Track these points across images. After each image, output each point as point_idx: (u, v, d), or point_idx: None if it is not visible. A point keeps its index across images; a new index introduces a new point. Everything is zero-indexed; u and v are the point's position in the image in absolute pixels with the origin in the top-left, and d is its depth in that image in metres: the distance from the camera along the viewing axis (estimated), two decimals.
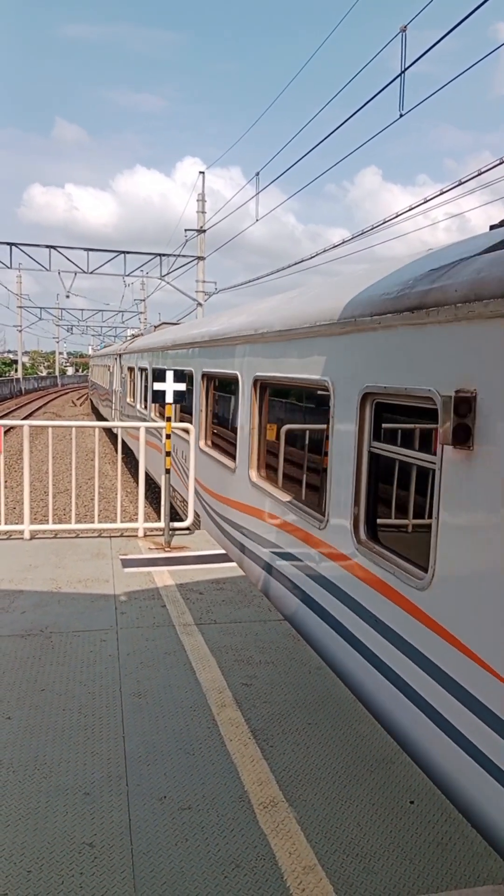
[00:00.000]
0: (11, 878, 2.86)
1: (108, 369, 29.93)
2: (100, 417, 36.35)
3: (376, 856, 3.05)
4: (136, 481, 10.38)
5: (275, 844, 3.10)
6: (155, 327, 18.71)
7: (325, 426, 5.49)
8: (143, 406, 16.99)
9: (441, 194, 13.53)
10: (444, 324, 3.73)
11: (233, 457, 8.33)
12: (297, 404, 6.87)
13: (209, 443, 9.97)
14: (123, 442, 11.78)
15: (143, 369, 17.32)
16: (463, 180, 12.82)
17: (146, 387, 16.43)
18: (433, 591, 3.83)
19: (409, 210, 14.45)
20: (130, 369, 20.40)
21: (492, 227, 4.86)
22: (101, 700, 4.34)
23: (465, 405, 3.46)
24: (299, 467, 6.58)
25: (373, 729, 4.09)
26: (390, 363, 4.38)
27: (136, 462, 9.89)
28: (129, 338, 31.37)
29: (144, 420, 15.99)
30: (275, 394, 7.23)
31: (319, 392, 5.77)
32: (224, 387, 9.29)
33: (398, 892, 2.85)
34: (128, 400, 21.08)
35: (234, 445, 8.27)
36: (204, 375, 9.99)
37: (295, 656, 5.06)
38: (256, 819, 3.27)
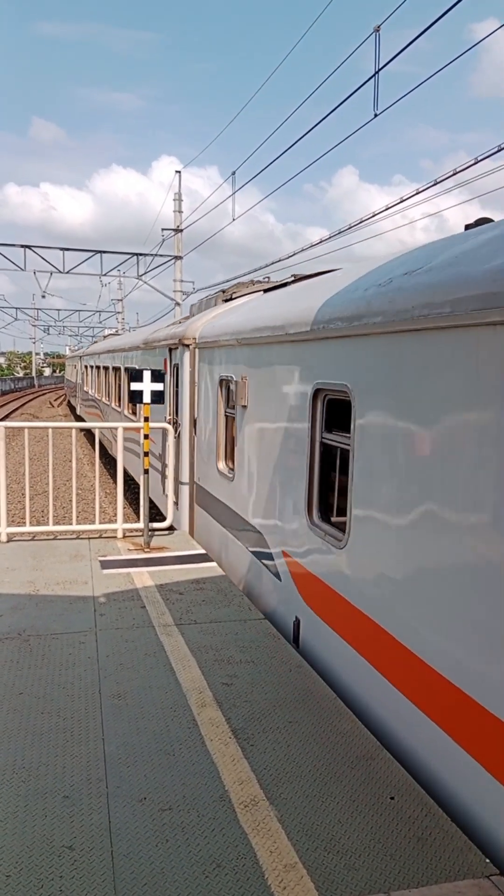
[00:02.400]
0: None
1: (75, 367, 40.75)
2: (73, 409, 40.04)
3: (357, 852, 3.05)
4: (115, 481, 10.28)
5: (256, 843, 3.10)
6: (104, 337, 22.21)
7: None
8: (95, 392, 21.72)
9: (417, 194, 13.62)
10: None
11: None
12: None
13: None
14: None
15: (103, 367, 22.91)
16: (438, 180, 12.91)
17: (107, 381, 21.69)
18: None
19: (386, 210, 14.52)
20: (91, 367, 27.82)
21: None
22: (80, 702, 4.30)
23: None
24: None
25: (353, 726, 4.10)
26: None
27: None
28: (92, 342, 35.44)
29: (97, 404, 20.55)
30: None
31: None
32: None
33: (379, 887, 2.86)
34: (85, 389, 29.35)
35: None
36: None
37: (275, 655, 5.06)
38: (237, 818, 3.26)
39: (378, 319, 4.21)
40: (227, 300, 9.88)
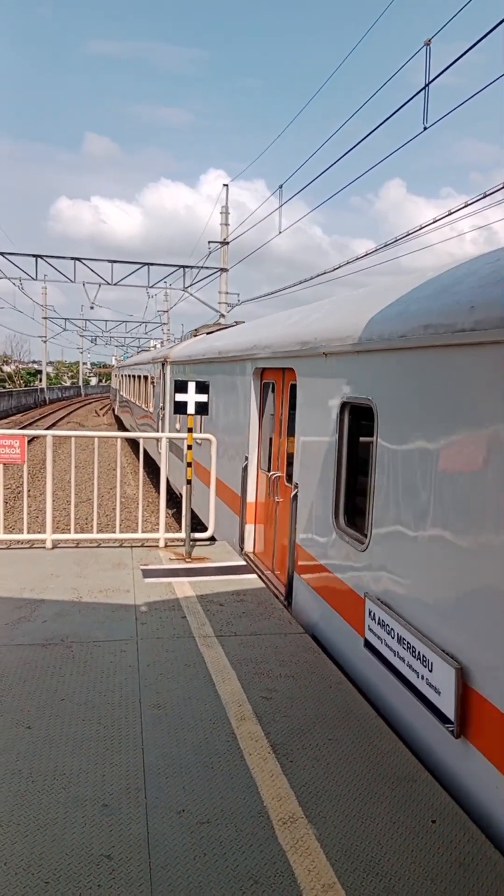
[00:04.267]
0: (29, 889, 2.86)
1: (115, 377, 45.68)
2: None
3: (397, 875, 3.00)
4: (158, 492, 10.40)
5: (294, 861, 3.07)
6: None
7: None
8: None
9: (465, 206, 13.48)
10: None
11: None
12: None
13: None
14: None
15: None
16: (488, 192, 12.77)
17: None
18: None
19: (434, 222, 14.41)
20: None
21: None
22: (120, 711, 4.33)
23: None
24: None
25: (394, 746, 4.04)
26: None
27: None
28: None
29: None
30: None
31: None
32: None
33: None
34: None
35: None
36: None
37: (315, 670, 5.02)
38: (275, 835, 3.24)
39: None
40: (194, 335, 16.38)
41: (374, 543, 4.83)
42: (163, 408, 16.63)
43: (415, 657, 4.08)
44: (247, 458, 8.73)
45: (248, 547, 8.69)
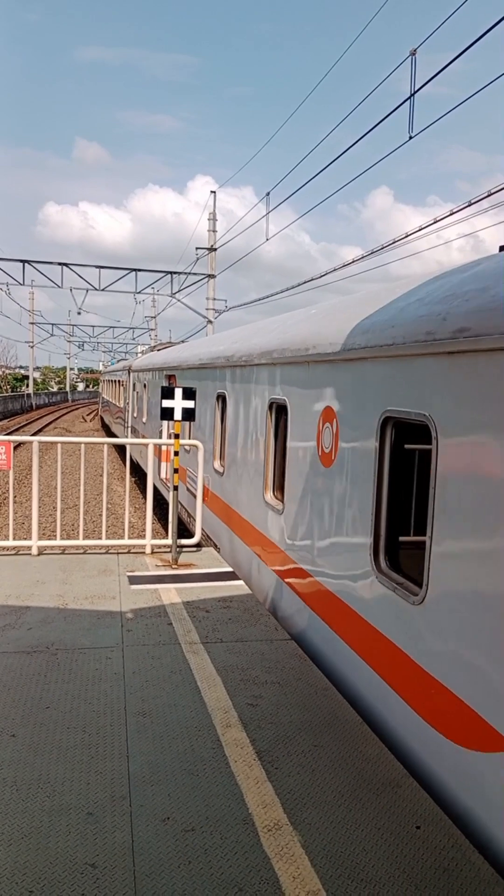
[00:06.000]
0: None
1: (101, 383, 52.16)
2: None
3: (382, 881, 3.00)
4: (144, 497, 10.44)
5: (279, 868, 3.07)
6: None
7: None
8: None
9: (451, 214, 13.60)
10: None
11: None
12: None
13: None
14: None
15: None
16: (473, 201, 12.89)
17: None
18: None
19: (420, 230, 14.52)
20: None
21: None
22: (105, 718, 4.32)
23: None
24: None
25: (379, 752, 4.05)
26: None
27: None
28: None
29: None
30: None
31: None
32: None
33: None
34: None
35: None
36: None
37: (301, 676, 5.03)
38: (261, 842, 3.24)
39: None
40: (153, 350, 23.90)
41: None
42: (128, 403, 24.82)
43: None
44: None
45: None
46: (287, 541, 6.42)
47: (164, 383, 14.89)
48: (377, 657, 4.46)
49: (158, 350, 21.75)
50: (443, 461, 3.71)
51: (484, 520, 3.38)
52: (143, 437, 19.22)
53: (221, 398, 9.55)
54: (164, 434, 14.71)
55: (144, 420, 19.71)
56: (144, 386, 19.98)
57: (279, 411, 6.98)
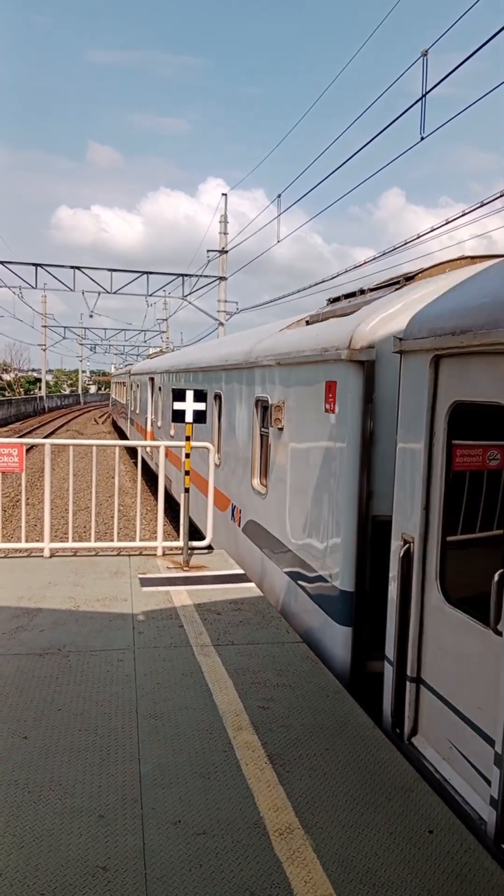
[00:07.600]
0: None
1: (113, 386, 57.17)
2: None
3: (394, 886, 2.99)
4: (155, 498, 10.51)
5: (290, 872, 3.05)
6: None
7: None
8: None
9: (463, 215, 13.55)
10: None
11: None
12: None
13: None
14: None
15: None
16: (485, 201, 12.84)
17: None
18: None
19: (431, 231, 14.48)
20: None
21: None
22: (117, 721, 4.32)
23: None
24: None
25: (391, 755, 4.02)
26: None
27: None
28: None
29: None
30: None
31: None
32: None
33: None
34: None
35: None
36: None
37: (312, 680, 5.01)
38: (272, 846, 3.23)
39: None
40: (149, 357, 31.48)
41: None
42: (128, 400, 30.57)
43: None
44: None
45: None
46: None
47: (149, 384, 20.70)
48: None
49: (151, 358, 29.90)
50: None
51: None
52: (136, 423, 26.87)
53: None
54: (149, 422, 20.16)
55: (138, 411, 26.64)
56: (138, 386, 26.52)
57: (218, 398, 10.61)
